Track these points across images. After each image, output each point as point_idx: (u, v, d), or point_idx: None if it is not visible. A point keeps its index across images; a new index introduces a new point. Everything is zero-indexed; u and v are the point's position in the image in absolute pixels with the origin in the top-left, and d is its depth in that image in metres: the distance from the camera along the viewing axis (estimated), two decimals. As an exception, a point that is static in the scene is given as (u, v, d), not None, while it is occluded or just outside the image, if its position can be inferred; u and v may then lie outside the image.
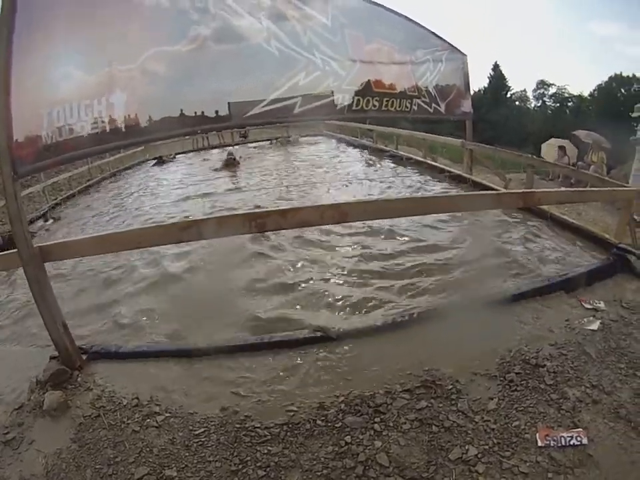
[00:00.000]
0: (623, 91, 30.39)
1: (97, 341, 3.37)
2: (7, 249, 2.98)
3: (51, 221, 8.19)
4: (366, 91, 4.20)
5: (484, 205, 3.92)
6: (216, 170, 11.45)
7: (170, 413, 2.52)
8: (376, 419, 2.38)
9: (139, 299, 4.29)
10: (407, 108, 4.74)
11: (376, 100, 4.30)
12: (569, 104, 33.83)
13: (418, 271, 4.24)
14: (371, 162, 10.88)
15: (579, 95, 33.19)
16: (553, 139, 16.01)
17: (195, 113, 3.31)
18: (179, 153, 15.27)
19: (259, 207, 6.39)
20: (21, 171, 2.53)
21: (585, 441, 2.17)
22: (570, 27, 52.14)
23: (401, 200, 4.24)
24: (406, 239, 5.14)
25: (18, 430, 2.51)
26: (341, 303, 3.82)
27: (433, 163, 9.10)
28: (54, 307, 2.83)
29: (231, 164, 11.62)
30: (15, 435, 2.48)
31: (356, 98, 4.11)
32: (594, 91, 32.30)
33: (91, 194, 10.65)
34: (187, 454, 2.28)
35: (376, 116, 4.56)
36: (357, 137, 14.07)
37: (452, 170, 8.15)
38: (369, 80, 4.23)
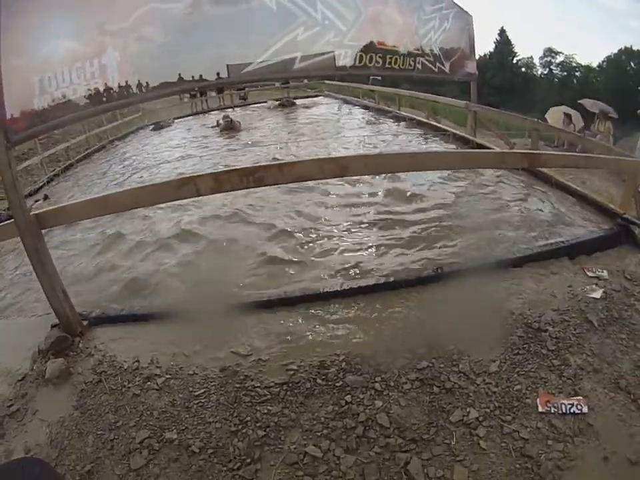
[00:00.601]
0: (632, 64, 29.44)
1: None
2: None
3: (40, 200, 7.25)
4: (369, 47, 4.04)
5: (487, 163, 3.82)
6: (206, 137, 10.93)
7: (170, 374, 2.52)
8: (376, 378, 2.38)
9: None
10: (411, 66, 4.56)
11: (379, 56, 4.14)
12: (577, 74, 32.86)
13: (420, 232, 4.21)
14: (373, 122, 10.66)
15: (587, 65, 32.14)
16: (562, 107, 15.63)
17: (193, 77, 3.24)
18: (177, 118, 14.91)
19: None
20: (14, 138, 2.50)
21: (585, 409, 2.17)
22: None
23: (402, 154, 4.11)
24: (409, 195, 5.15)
25: (22, 401, 2.50)
26: (340, 261, 3.78)
27: (436, 124, 8.89)
28: (53, 275, 2.80)
29: (228, 127, 11.02)
30: (19, 406, 2.47)
31: (358, 54, 3.96)
32: (602, 62, 31.29)
33: (89, 163, 10.35)
34: (187, 415, 2.28)
35: (379, 73, 4.38)
36: (359, 98, 13.72)
37: (455, 131, 7.95)
38: (371, 40, 4.08)
